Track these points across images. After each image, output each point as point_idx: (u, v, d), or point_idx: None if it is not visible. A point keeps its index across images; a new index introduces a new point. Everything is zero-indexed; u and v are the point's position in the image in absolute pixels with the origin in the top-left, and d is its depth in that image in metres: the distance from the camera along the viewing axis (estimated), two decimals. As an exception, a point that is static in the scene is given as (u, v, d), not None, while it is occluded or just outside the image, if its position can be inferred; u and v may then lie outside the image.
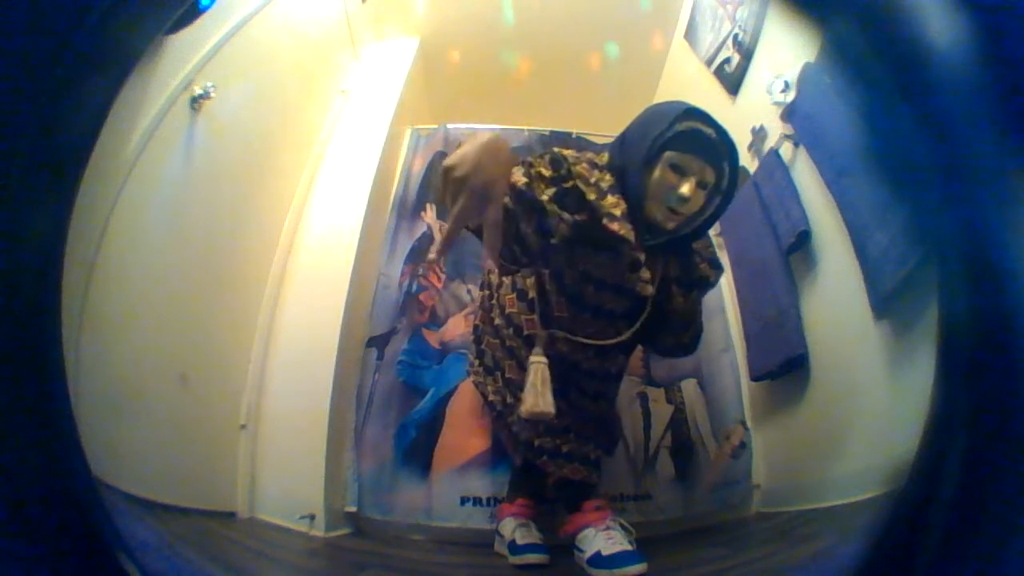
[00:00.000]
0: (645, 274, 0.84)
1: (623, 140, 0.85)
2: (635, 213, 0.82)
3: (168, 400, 0.95)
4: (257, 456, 1.08)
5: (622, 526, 0.92)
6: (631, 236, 0.80)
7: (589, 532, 0.91)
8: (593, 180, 0.81)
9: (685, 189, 0.80)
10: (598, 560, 0.87)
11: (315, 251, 1.24)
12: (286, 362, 1.14)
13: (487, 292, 1.06)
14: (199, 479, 1.01)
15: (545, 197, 0.76)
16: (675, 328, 0.92)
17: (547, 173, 0.78)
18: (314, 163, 1.32)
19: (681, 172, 0.80)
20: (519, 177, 0.75)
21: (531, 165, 0.78)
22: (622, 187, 0.82)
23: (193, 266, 1.03)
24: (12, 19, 0.38)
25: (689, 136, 0.79)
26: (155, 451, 0.87)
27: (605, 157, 0.86)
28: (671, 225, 0.82)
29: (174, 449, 0.94)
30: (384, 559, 1.04)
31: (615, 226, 0.79)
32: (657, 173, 0.80)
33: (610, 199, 0.81)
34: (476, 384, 1.07)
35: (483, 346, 1.05)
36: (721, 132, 0.80)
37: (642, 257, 0.83)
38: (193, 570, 0.68)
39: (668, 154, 0.80)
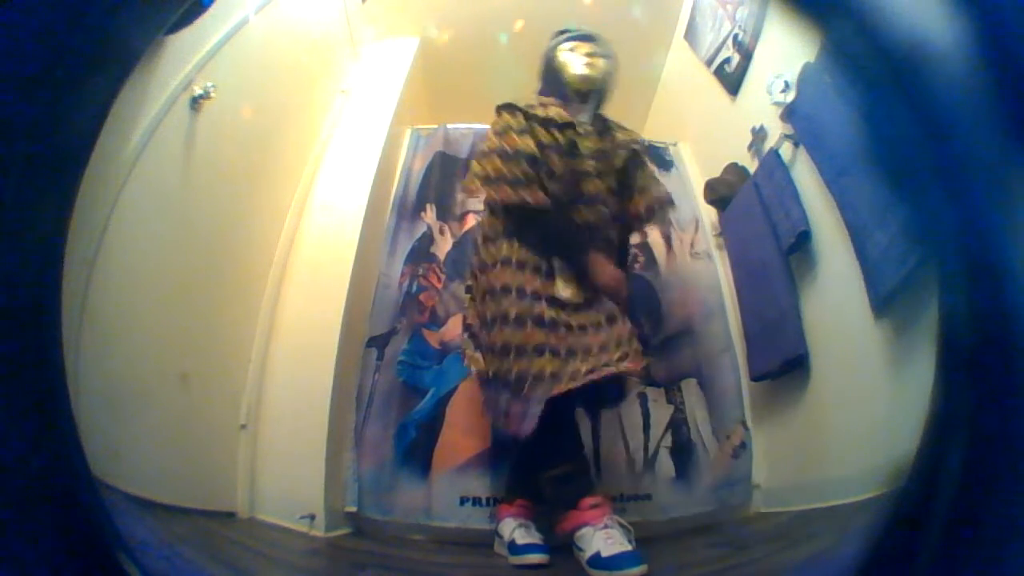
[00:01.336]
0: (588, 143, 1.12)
1: (541, 71, 1.16)
2: (567, 99, 1.12)
3: (168, 400, 0.95)
4: (257, 456, 1.08)
5: (620, 524, 0.92)
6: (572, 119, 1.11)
7: (587, 531, 0.91)
8: (538, 104, 1.11)
9: (584, 48, 1.12)
10: (598, 561, 0.87)
11: (315, 251, 1.24)
12: (286, 362, 1.14)
13: (473, 296, 1.11)
14: (199, 479, 1.01)
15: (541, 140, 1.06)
16: (638, 189, 1.15)
17: (517, 124, 1.07)
18: (314, 163, 1.32)
19: (577, 46, 1.13)
20: (509, 191, 1.03)
21: (485, 154, 1.07)
22: (557, 96, 1.12)
23: (193, 266, 1.03)
24: (12, 19, 0.38)
25: (574, 33, 1.15)
26: (155, 451, 0.87)
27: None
28: (594, 73, 1.12)
29: (174, 449, 0.94)
30: (384, 559, 1.04)
31: (566, 114, 1.10)
32: (565, 50, 1.13)
33: (553, 109, 1.10)
34: (469, 359, 1.09)
35: (478, 335, 1.07)
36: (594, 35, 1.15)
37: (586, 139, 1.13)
38: (193, 570, 0.68)
39: (565, 44, 1.13)
